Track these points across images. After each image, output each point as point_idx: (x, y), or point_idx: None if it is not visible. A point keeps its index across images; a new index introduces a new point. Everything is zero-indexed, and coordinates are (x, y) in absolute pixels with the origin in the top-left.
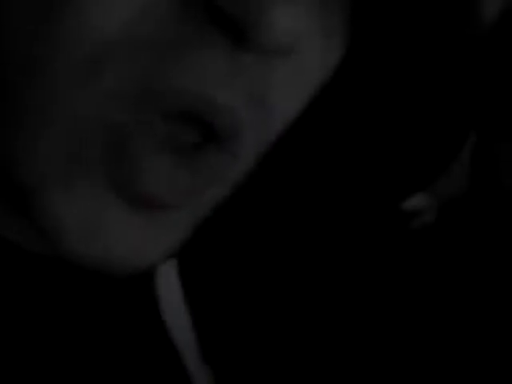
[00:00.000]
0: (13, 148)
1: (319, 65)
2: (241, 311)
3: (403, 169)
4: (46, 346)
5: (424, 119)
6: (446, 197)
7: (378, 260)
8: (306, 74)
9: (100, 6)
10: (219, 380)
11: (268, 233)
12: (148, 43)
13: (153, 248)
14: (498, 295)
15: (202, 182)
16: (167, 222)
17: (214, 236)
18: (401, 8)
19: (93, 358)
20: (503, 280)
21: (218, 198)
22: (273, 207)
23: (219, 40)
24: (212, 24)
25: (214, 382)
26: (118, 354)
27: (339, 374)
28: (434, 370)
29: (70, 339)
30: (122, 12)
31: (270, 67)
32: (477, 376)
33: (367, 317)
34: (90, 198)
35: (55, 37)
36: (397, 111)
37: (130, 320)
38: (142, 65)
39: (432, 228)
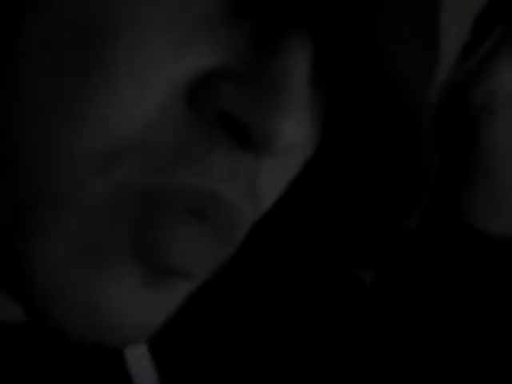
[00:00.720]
0: (23, 240)
1: (303, 154)
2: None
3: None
4: None
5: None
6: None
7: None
8: (292, 164)
9: (111, 112)
10: None
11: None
12: (162, 145)
13: (160, 316)
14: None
15: (216, 251)
16: (177, 289)
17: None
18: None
19: None
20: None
21: (212, 270)
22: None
23: (225, 141)
24: (220, 127)
25: None
26: None
27: None
28: None
29: None
30: (142, 118)
31: (261, 162)
32: None
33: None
34: (111, 281)
35: (76, 130)
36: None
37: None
38: (153, 163)
39: (380, 261)
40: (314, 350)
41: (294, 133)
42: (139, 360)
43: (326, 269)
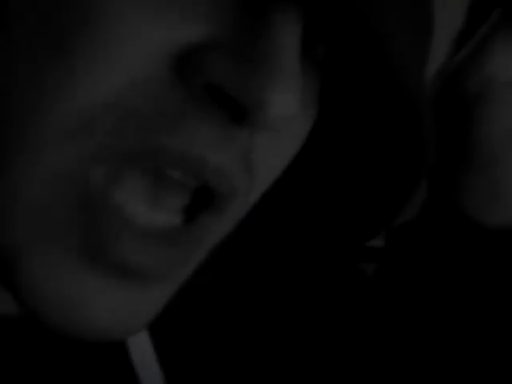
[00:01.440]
0: None
1: (298, 133)
2: (212, 367)
3: (358, 217)
4: None
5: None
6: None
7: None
8: (287, 141)
9: (91, 77)
10: None
11: (232, 289)
12: (139, 113)
13: (137, 316)
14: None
15: (185, 255)
16: (150, 289)
17: (182, 295)
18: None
19: None
20: (453, 306)
21: (199, 261)
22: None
23: (216, 114)
24: (210, 100)
25: None
26: None
27: None
28: None
29: None
30: (110, 85)
31: (254, 136)
32: None
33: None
34: (65, 265)
35: (47, 97)
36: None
37: (102, 373)
38: (132, 130)
39: (381, 253)
40: (316, 339)
41: (285, 104)
42: (141, 347)
43: (329, 260)
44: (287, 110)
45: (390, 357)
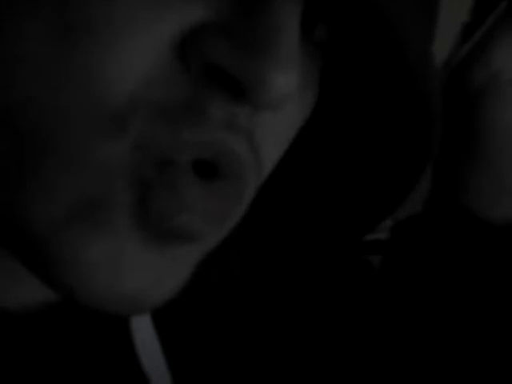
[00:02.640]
0: (26, 198)
1: (296, 115)
2: (212, 350)
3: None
4: None
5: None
6: (401, 215)
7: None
8: (288, 121)
9: (119, 75)
10: None
11: (234, 273)
12: (159, 105)
13: (171, 282)
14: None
15: (226, 206)
16: (183, 256)
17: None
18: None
19: None
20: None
21: (224, 234)
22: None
23: (216, 94)
24: (213, 81)
25: None
26: None
27: None
28: None
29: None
30: (138, 78)
31: (256, 115)
32: None
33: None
34: (111, 239)
35: (77, 95)
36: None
37: (107, 364)
38: (160, 121)
39: (386, 246)
40: (322, 330)
41: (284, 82)
42: (144, 332)
43: (335, 252)
44: (286, 88)
45: (396, 348)
